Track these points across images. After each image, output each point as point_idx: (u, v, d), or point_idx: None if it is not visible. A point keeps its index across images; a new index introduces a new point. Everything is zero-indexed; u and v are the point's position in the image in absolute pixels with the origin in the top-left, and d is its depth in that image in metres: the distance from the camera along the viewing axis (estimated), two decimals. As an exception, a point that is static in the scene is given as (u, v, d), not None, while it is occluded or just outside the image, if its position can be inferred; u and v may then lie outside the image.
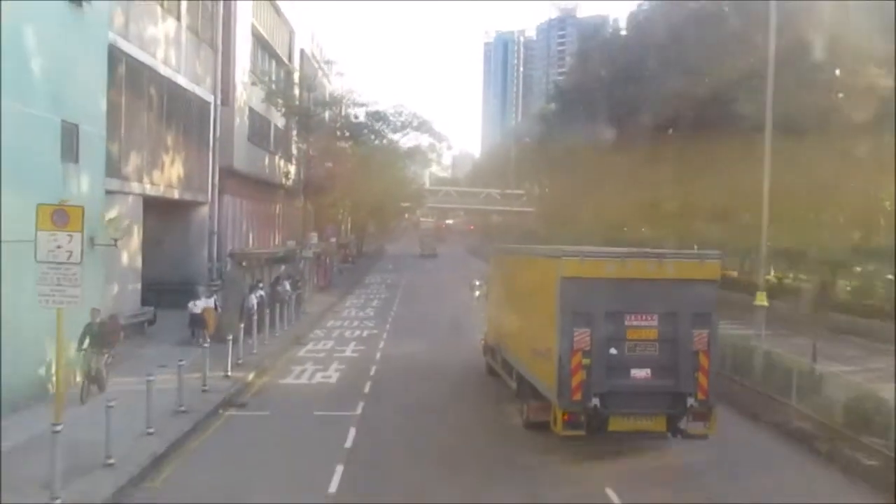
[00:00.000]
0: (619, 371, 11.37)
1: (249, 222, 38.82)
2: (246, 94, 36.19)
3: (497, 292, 18.26)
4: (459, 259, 70.94)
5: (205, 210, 28.27)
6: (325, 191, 45.51)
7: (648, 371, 11.42)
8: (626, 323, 11.39)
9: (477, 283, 24.30)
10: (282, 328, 24.21)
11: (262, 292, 22.93)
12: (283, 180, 44.12)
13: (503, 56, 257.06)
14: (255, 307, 21.47)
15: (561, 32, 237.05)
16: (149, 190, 22.87)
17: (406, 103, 64.96)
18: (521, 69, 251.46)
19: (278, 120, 42.64)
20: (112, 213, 18.95)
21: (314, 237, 35.38)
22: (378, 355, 21.78)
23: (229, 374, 17.38)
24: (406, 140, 52.65)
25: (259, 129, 39.71)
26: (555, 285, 11.67)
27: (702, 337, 11.45)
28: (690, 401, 11.40)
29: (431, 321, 29.48)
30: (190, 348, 18.80)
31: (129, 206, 21.34)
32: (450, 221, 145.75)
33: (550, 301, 11.88)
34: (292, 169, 46.46)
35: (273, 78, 40.69)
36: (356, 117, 47.77)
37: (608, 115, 39.32)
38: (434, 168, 56.48)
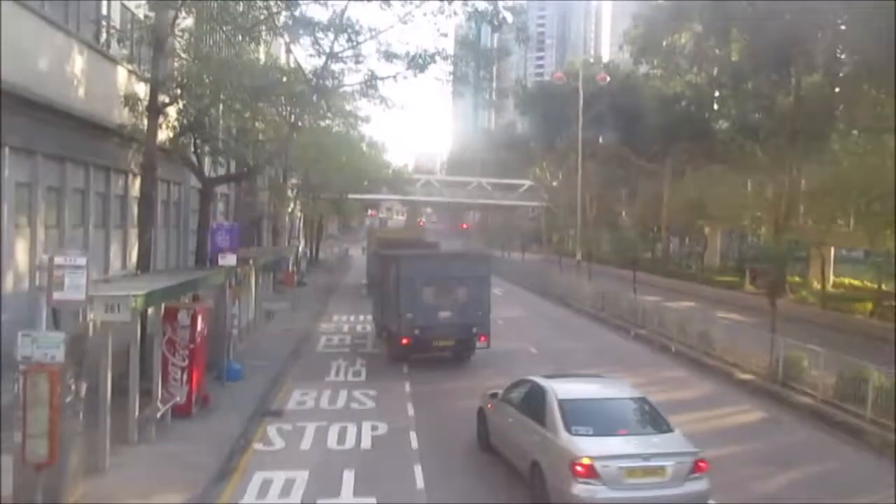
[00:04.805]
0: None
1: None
2: None
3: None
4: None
5: None
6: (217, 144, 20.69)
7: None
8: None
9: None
10: None
11: None
12: (131, 117, 18.88)
13: (475, 39, 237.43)
14: None
15: (541, 13, 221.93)
16: None
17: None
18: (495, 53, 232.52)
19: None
20: None
21: (76, 266, 7.58)
22: None
23: None
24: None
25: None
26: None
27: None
28: None
29: None
30: None
31: None
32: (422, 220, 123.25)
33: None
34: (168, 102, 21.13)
35: None
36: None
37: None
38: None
